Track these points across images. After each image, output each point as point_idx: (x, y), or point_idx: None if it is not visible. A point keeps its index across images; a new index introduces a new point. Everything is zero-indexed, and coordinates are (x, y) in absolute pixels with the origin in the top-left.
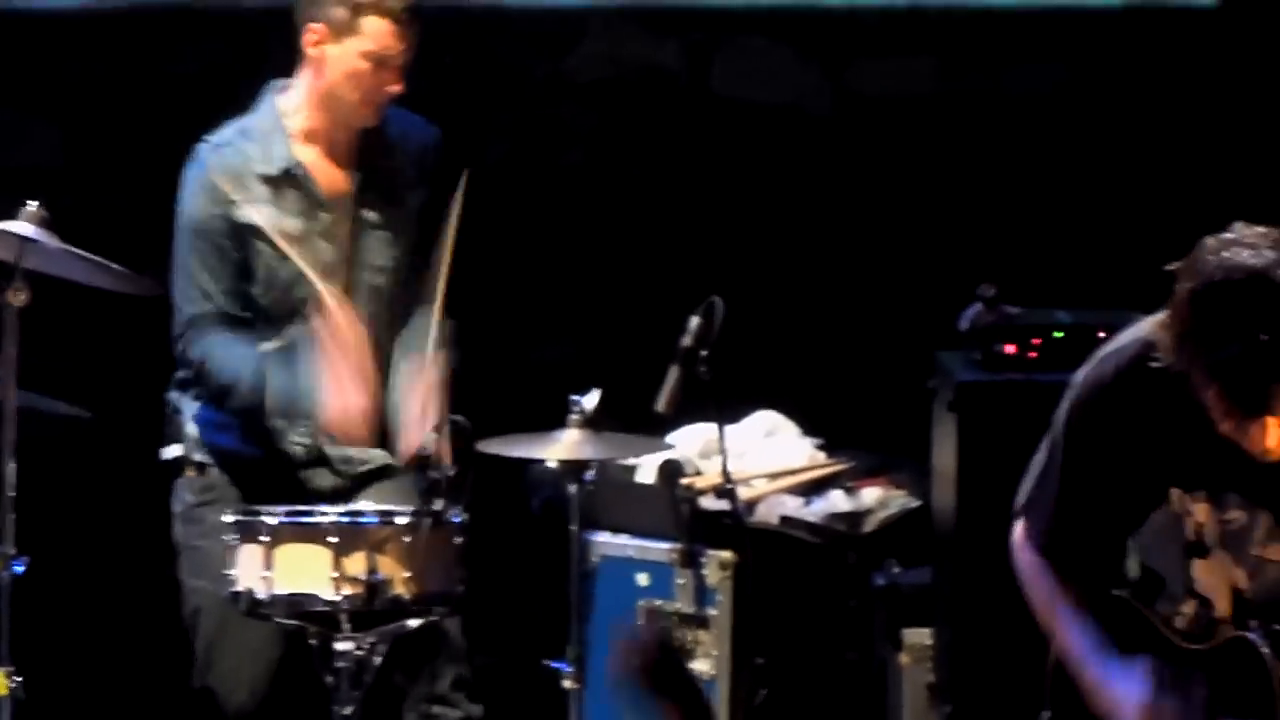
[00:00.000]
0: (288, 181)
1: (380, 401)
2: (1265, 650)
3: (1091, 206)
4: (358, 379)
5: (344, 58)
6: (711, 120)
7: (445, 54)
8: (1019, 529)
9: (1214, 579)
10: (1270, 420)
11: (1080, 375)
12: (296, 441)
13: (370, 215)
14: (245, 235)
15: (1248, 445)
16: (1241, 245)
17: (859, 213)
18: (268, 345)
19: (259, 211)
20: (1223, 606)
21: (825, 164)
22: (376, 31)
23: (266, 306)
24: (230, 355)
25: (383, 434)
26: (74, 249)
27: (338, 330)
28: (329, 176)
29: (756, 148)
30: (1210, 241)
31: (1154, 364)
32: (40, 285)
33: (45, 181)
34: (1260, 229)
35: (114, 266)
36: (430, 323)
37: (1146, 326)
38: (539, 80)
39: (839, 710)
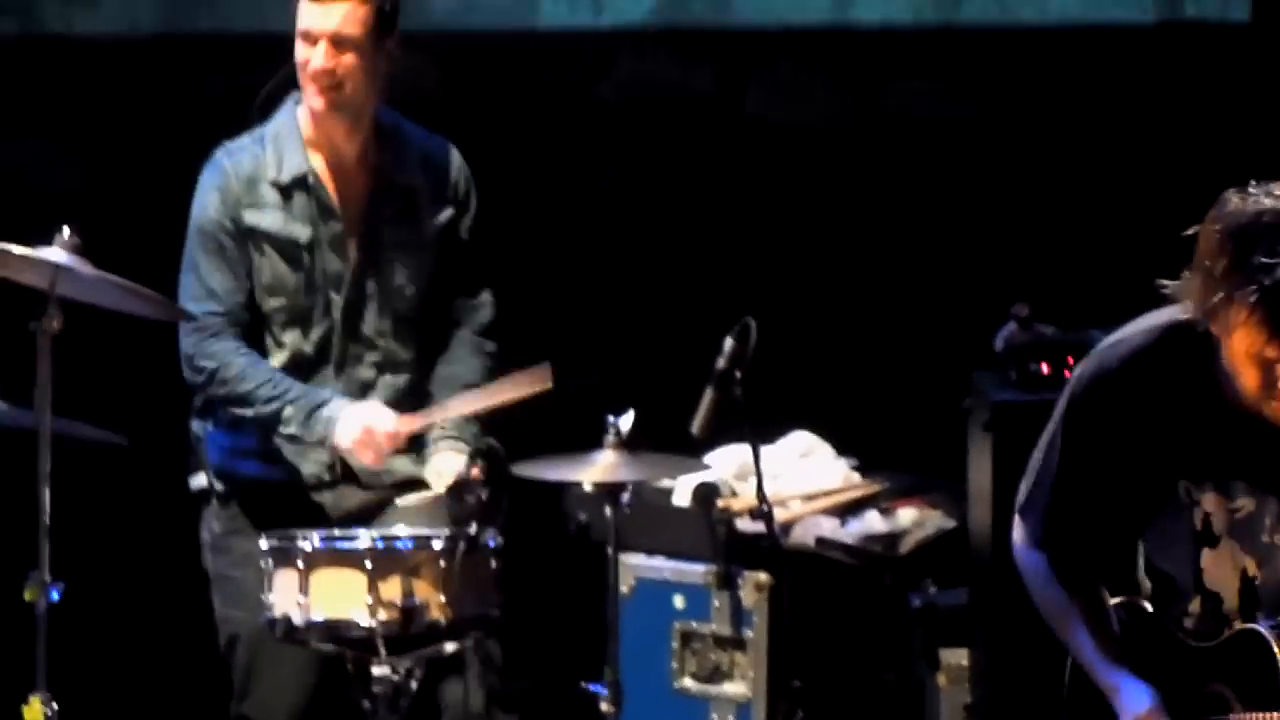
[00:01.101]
0: (299, 188)
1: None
2: (1272, 640)
3: (1126, 225)
4: (380, 436)
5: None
6: (745, 141)
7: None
8: (1017, 531)
9: (1223, 570)
10: None
11: (1080, 369)
12: (315, 460)
13: (389, 232)
14: (253, 240)
15: (1271, 404)
16: (1265, 193)
17: (893, 233)
18: (277, 357)
19: (268, 217)
20: (1231, 599)
21: (859, 184)
22: (302, 8)
23: (272, 313)
24: (247, 367)
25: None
26: (107, 275)
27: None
28: (343, 186)
29: (790, 168)
30: (1233, 193)
31: (1180, 332)
32: (72, 312)
33: (75, 208)
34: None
35: (146, 292)
36: (473, 351)
37: (1150, 320)
38: (571, 103)
39: None
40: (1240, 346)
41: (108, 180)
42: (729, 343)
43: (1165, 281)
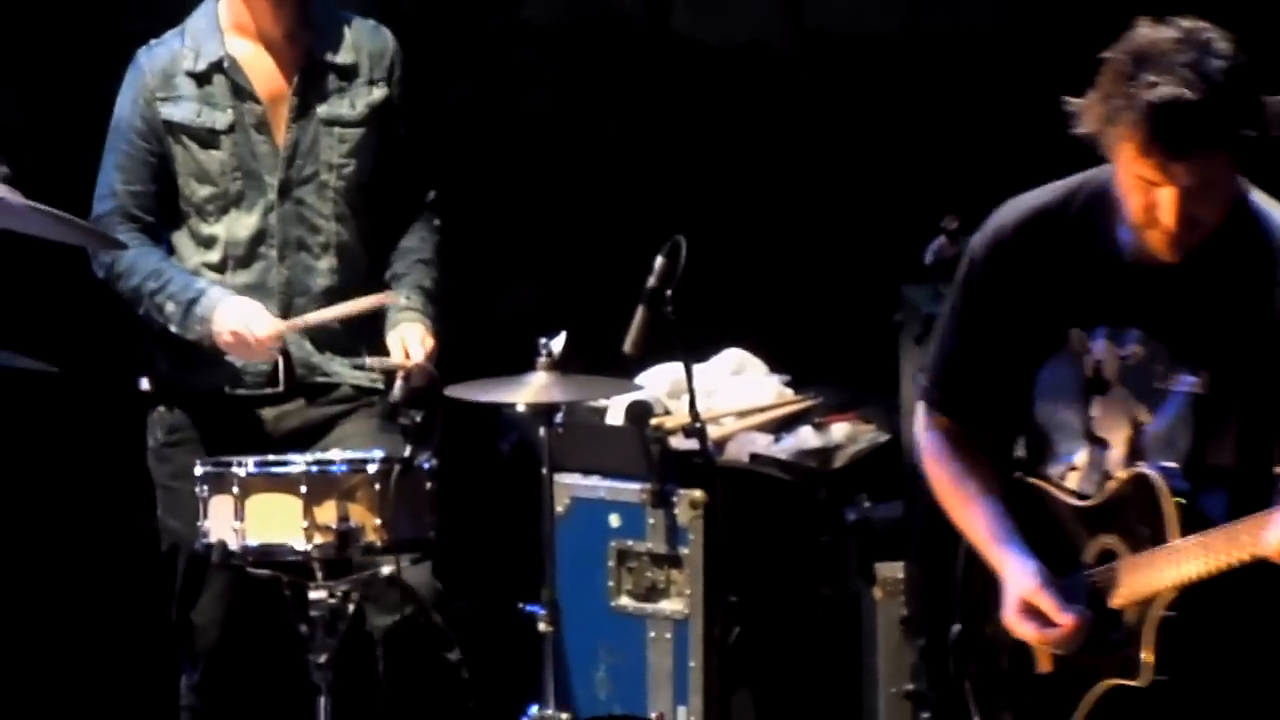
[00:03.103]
0: (217, 73)
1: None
2: (1158, 478)
3: (1051, 139)
4: (258, 336)
5: None
6: (673, 60)
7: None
8: (920, 414)
9: (1114, 417)
10: (1179, 191)
11: (977, 232)
12: (259, 371)
13: (320, 111)
14: (171, 134)
15: (1153, 235)
16: (1177, 24)
17: (822, 149)
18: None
19: (182, 108)
20: (1120, 447)
21: (787, 102)
22: None
23: (203, 202)
24: (136, 258)
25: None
26: (39, 205)
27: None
28: (265, 69)
29: (718, 87)
30: (1144, 20)
31: (1076, 192)
32: (3, 243)
33: (4, 139)
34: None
35: (79, 222)
36: (423, 226)
37: (1048, 186)
38: (499, 25)
39: (813, 646)
40: (1126, 167)
41: (37, 111)
42: (659, 261)
43: (1069, 98)
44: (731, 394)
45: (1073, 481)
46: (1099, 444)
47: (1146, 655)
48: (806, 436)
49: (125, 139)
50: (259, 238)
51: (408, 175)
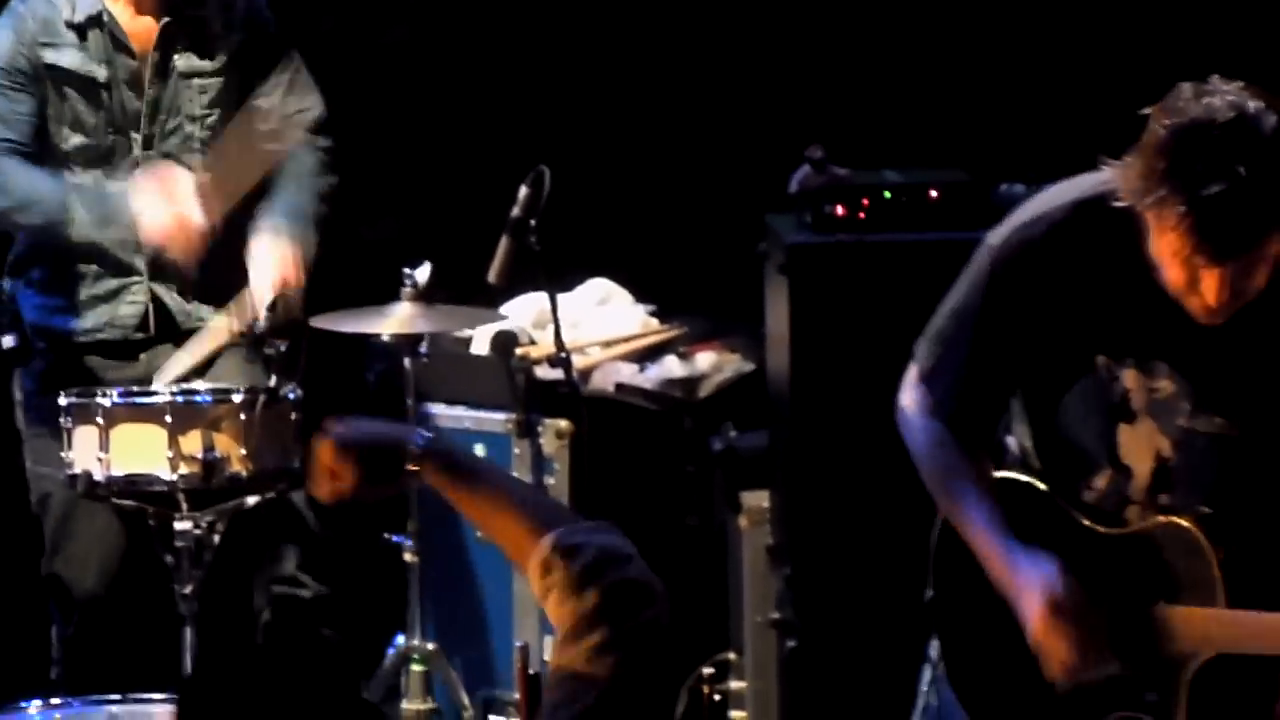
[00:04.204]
0: (94, 28)
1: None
2: (1200, 534)
3: (917, 65)
4: (179, 196)
5: None
6: None
7: None
8: (914, 397)
9: (1139, 446)
10: (1223, 271)
11: (1000, 235)
12: (131, 301)
13: (180, 63)
14: (53, 79)
15: (1194, 300)
16: (1222, 92)
17: (685, 77)
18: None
19: (67, 55)
20: (1142, 477)
21: (648, 28)
22: None
23: (73, 152)
24: (30, 174)
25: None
26: None
27: (156, 168)
28: (136, 24)
29: (577, 12)
30: (1189, 86)
31: (1110, 204)
32: None
33: None
34: (1238, 83)
35: None
36: (306, 148)
37: (1080, 186)
38: None
39: (679, 575)
40: (1168, 247)
41: None
42: (523, 191)
43: (1108, 160)
44: (596, 324)
45: (1090, 497)
46: (1122, 470)
47: (1183, 709)
48: (672, 366)
49: (7, 75)
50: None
51: (298, 114)
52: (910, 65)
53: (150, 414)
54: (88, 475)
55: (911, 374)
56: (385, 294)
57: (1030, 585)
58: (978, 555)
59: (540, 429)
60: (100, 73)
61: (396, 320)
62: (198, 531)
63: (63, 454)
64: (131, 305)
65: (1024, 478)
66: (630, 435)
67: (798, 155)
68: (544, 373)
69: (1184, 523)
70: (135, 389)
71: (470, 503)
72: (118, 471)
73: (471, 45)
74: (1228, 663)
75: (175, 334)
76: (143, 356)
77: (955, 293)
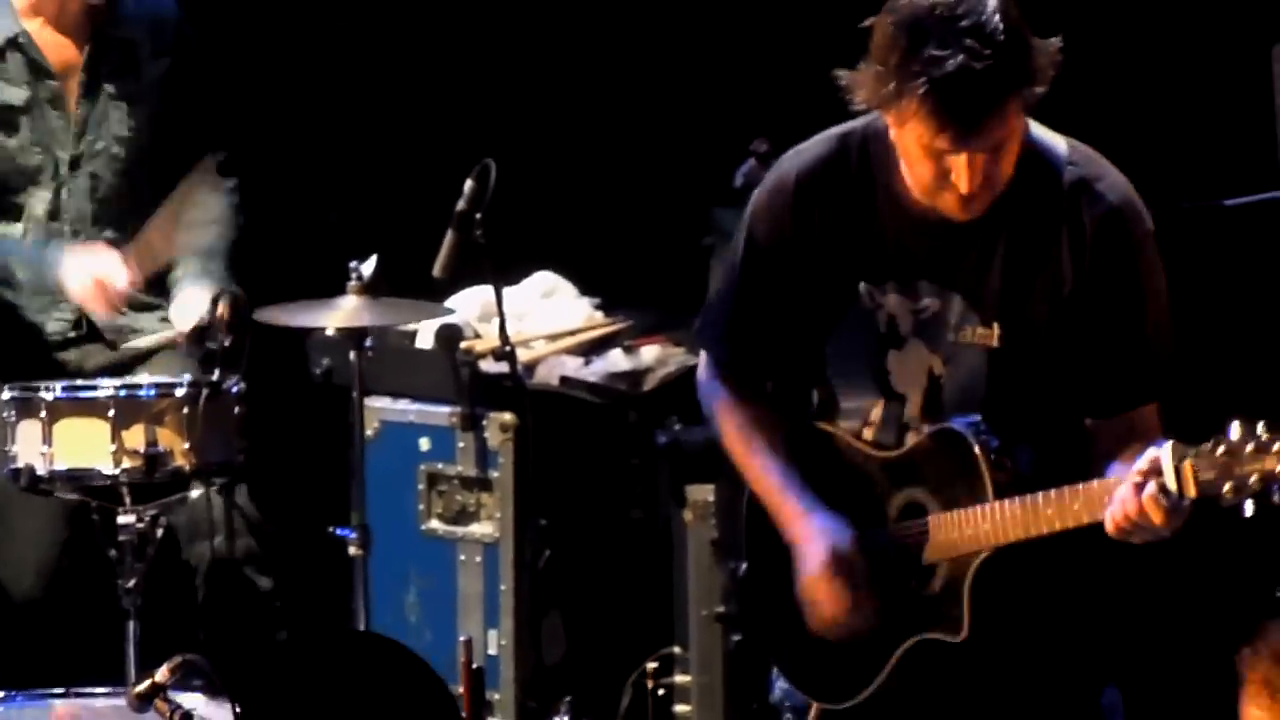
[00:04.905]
0: (12, 50)
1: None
2: (967, 434)
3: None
4: (103, 262)
5: None
6: None
7: None
8: (701, 364)
9: (909, 370)
10: (971, 155)
11: (760, 184)
12: (59, 318)
13: (108, 86)
14: None
15: (946, 197)
16: None
17: (631, 71)
18: (14, 227)
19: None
20: (915, 401)
21: (594, 22)
22: None
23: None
24: None
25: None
26: None
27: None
28: (57, 46)
29: (524, 8)
30: None
31: (857, 136)
32: None
33: None
34: None
35: None
36: (213, 190)
37: (828, 131)
38: None
39: (623, 569)
40: (911, 139)
41: None
42: (469, 184)
43: (840, 72)
44: (542, 317)
45: (869, 435)
46: (895, 398)
47: (966, 611)
48: (617, 359)
49: None
50: (54, 213)
51: (197, 143)
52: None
53: (93, 408)
54: (31, 469)
55: (695, 337)
56: (331, 287)
57: (813, 537)
58: (770, 511)
59: (485, 422)
60: (18, 96)
61: (342, 313)
62: (140, 525)
63: (5, 448)
64: (59, 322)
65: (822, 425)
66: (575, 429)
67: (743, 149)
68: (489, 366)
69: (954, 427)
70: (79, 382)
71: None
72: (60, 465)
73: (418, 39)
74: (1007, 559)
75: (104, 337)
76: (76, 353)
77: (730, 248)
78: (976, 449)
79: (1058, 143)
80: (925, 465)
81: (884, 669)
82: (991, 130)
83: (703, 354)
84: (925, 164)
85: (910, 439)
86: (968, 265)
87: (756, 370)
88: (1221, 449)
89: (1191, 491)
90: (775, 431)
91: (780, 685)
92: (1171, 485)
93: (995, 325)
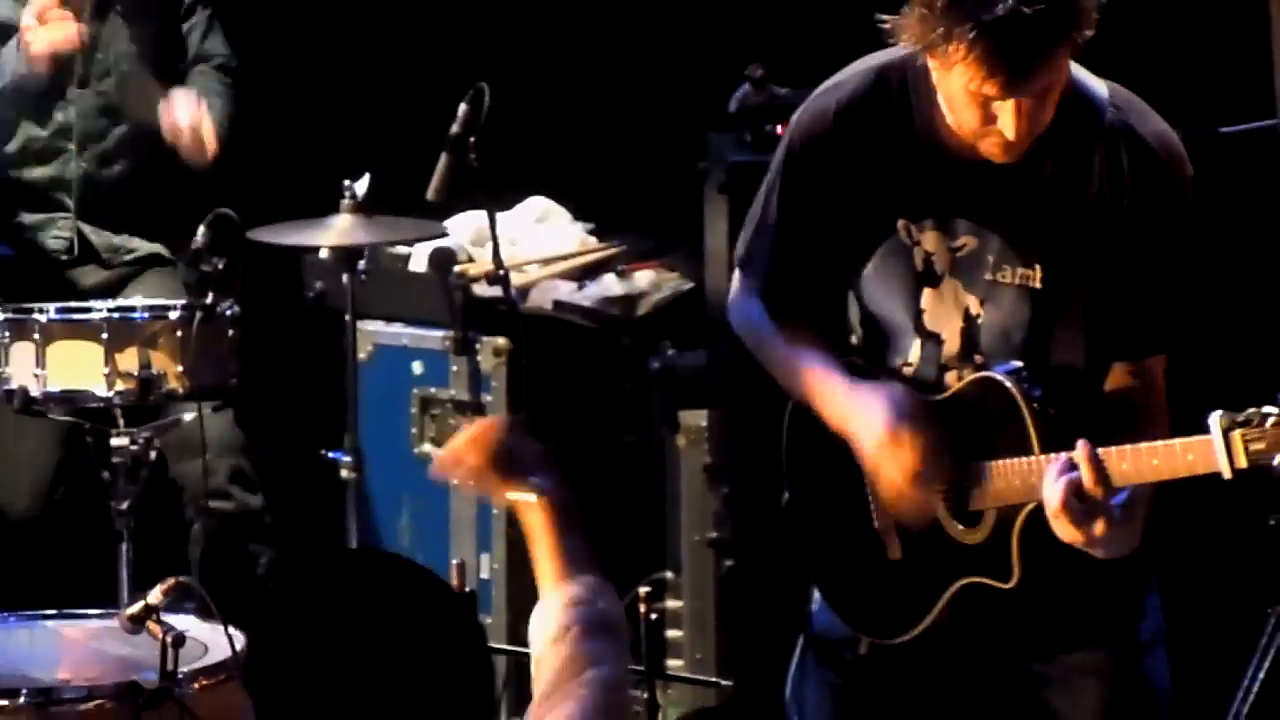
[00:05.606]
0: None
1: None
2: (1010, 384)
3: None
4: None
5: None
6: None
7: None
8: (738, 285)
9: (945, 309)
10: (1018, 102)
11: (797, 115)
12: (56, 235)
13: (117, 4)
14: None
15: (989, 141)
16: None
17: None
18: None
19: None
20: (953, 340)
21: None
22: None
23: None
24: None
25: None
26: None
27: None
28: None
29: None
30: None
31: (901, 70)
32: None
33: None
34: None
35: None
36: (209, 75)
37: (865, 62)
38: None
39: (617, 493)
40: (958, 83)
41: None
42: (463, 108)
43: (885, 16)
44: (535, 241)
45: (909, 372)
46: (931, 338)
47: (1016, 560)
48: (610, 284)
49: None
50: (62, 132)
51: (196, 61)
52: None
53: (87, 330)
54: (24, 391)
55: (736, 260)
56: (324, 207)
57: (869, 403)
58: (819, 407)
59: (478, 346)
60: (29, 15)
61: (335, 232)
62: (134, 448)
63: None
64: (57, 240)
65: (861, 362)
66: (568, 353)
67: (738, 74)
68: (482, 290)
69: (996, 376)
70: (73, 305)
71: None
72: (54, 387)
73: None
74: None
75: (99, 260)
76: (70, 274)
77: (766, 178)
78: (1020, 399)
79: (1099, 85)
80: (967, 412)
81: (934, 608)
82: (1040, 76)
83: (739, 276)
84: (971, 109)
85: (950, 380)
86: (1007, 205)
87: (799, 301)
88: (1271, 420)
89: (1242, 463)
90: (820, 340)
91: (823, 618)
92: (1222, 456)
93: (1037, 266)
